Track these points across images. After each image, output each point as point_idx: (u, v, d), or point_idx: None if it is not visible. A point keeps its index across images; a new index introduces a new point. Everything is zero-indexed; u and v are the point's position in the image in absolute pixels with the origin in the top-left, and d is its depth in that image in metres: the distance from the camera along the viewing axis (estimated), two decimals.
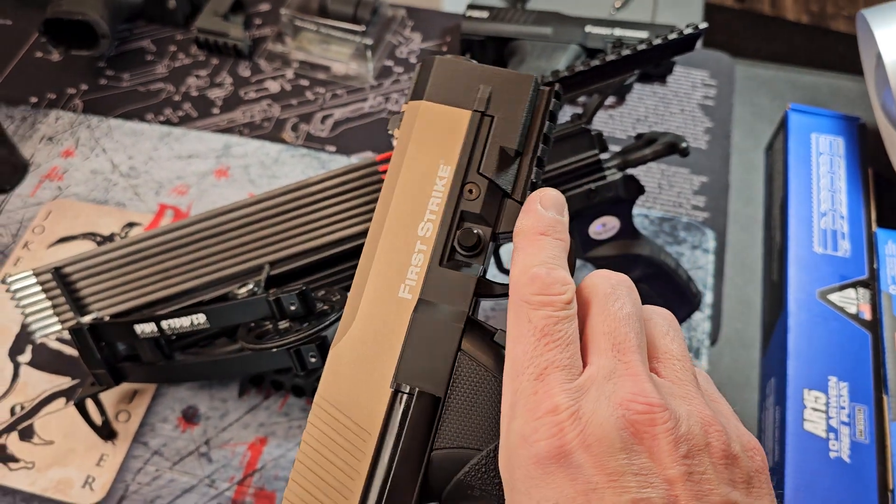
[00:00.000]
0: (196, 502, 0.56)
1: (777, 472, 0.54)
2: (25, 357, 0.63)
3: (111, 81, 0.82)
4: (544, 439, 0.26)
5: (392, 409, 0.30)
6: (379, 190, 0.52)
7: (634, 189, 0.55)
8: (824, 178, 0.67)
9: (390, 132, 0.35)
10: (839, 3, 1.64)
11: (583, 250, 0.57)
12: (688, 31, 0.51)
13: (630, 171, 0.57)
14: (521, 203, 0.33)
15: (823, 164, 0.68)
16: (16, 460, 0.58)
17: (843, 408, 0.55)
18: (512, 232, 0.32)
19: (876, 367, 0.56)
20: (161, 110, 0.80)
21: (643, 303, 0.31)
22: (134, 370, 0.56)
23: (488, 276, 0.33)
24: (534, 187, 0.33)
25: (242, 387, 0.61)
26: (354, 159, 0.75)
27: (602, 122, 0.78)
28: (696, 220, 0.71)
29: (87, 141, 0.77)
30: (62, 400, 0.61)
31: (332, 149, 0.77)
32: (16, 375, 0.62)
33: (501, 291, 0.32)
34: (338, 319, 0.48)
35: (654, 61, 0.53)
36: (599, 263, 0.58)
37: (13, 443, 0.59)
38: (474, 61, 0.34)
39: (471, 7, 0.81)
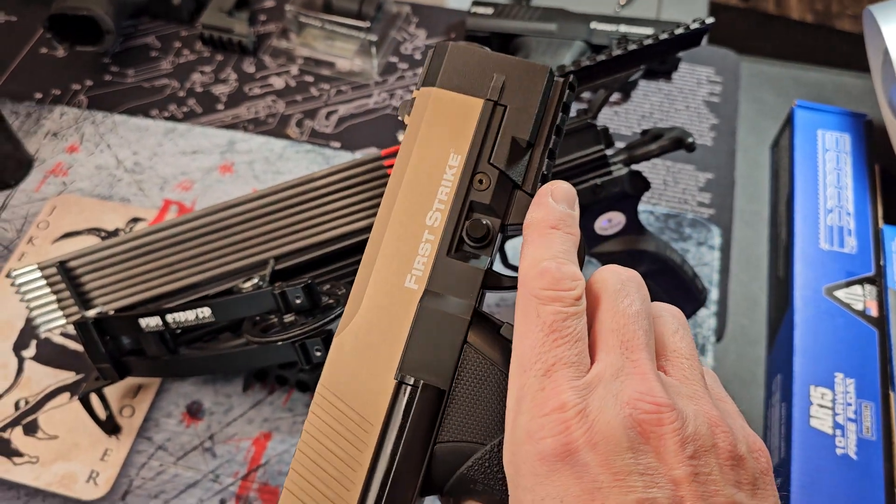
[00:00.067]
0: (200, 497, 0.56)
1: (783, 469, 0.54)
2: (30, 352, 0.63)
3: (116, 77, 0.82)
4: (550, 436, 0.26)
5: (395, 401, 0.30)
6: (384, 185, 0.52)
7: (640, 184, 0.55)
8: (831, 175, 0.67)
9: (400, 118, 0.34)
10: (844, 1, 1.63)
11: (588, 246, 0.57)
12: (694, 25, 0.51)
13: (636, 166, 0.57)
14: (532, 195, 0.32)
15: (830, 161, 0.67)
16: (20, 455, 0.58)
17: (849, 404, 0.55)
18: (521, 224, 0.32)
19: (883, 363, 0.56)
20: (166, 106, 0.80)
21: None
22: (138, 364, 0.56)
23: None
24: (545, 180, 0.33)
25: (247, 382, 0.61)
26: (359, 155, 0.75)
27: (607, 118, 0.78)
28: (702, 216, 0.71)
29: (92, 136, 0.77)
30: (66, 395, 0.61)
31: (337, 145, 0.76)
32: (20, 370, 0.62)
33: (509, 284, 0.32)
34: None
35: (660, 56, 0.52)
36: (605, 259, 0.58)
37: (17, 437, 0.59)
38: (487, 49, 0.34)
39: (476, 3, 0.81)
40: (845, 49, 1.51)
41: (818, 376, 0.56)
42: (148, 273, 0.56)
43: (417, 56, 0.84)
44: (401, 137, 0.33)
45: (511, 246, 0.63)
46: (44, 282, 0.56)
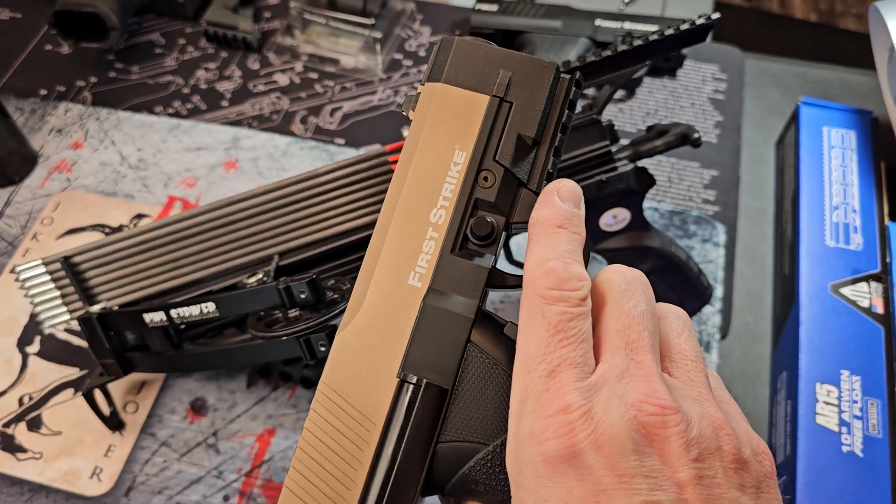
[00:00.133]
0: (204, 493, 0.56)
1: (789, 467, 0.53)
2: (34, 348, 0.63)
3: (120, 74, 0.82)
4: (555, 438, 0.26)
5: (398, 399, 0.30)
6: (388, 181, 0.52)
7: (645, 180, 0.55)
8: (836, 172, 0.66)
9: (405, 113, 0.34)
10: (848, 0, 1.63)
11: (593, 242, 0.57)
12: (700, 21, 0.51)
13: (641, 163, 0.57)
14: (537, 193, 0.32)
15: (835, 158, 0.67)
16: (24, 451, 0.58)
17: (855, 402, 0.54)
18: (526, 222, 0.32)
19: (889, 360, 0.56)
20: (170, 103, 0.80)
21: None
22: (142, 360, 0.56)
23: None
24: (550, 177, 0.33)
25: (251, 378, 0.61)
26: (363, 152, 0.75)
27: (612, 115, 0.78)
28: (707, 213, 0.71)
29: (97, 133, 0.77)
30: (70, 390, 0.61)
31: (341, 141, 0.76)
32: (24, 366, 0.62)
33: (514, 283, 0.31)
34: None
35: (666, 52, 0.52)
36: (610, 255, 0.57)
37: (21, 433, 0.59)
38: (493, 44, 0.33)
39: (480, 0, 0.81)
40: (850, 47, 1.51)
41: (824, 373, 0.56)
42: (152, 269, 0.56)
43: (422, 53, 0.84)
44: (405, 133, 0.33)
45: (515, 242, 0.63)
46: (48, 277, 0.56)
